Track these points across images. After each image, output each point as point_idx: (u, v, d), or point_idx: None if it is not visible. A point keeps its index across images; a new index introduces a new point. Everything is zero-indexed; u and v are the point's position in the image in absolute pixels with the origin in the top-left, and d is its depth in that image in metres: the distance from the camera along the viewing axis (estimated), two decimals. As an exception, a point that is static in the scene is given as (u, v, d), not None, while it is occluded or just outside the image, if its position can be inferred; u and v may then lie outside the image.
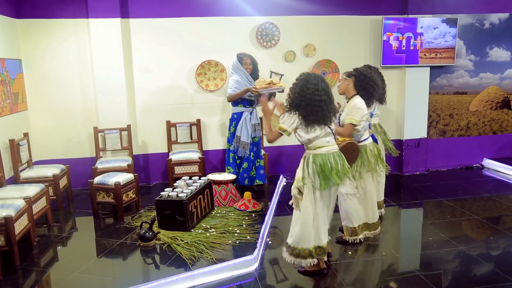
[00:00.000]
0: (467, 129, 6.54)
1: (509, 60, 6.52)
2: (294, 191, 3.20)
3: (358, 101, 3.65)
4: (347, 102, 3.73)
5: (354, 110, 3.61)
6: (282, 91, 4.78)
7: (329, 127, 3.13)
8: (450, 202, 4.96)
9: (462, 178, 6.02)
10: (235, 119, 5.11)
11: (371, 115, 4.54)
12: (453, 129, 6.48)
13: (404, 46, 5.91)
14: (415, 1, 5.89)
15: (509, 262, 3.51)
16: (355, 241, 3.81)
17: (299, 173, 3.21)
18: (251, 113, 5.10)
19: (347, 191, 3.72)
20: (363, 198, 3.82)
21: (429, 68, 6.09)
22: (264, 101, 3.41)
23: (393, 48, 5.89)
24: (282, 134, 3.13)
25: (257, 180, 5.26)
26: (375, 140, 3.97)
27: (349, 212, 3.77)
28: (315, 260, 3.25)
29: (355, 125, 3.58)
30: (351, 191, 3.75)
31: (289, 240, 3.28)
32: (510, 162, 6.29)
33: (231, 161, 5.17)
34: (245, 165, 5.16)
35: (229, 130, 5.19)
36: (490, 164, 6.45)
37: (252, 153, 5.16)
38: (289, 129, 3.10)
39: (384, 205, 4.62)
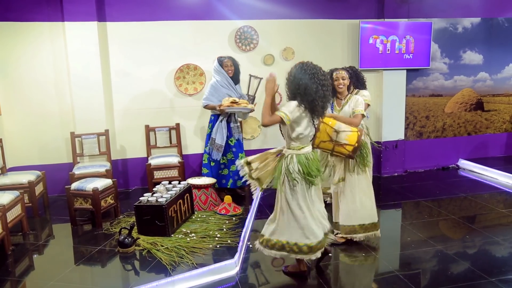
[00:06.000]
0: (443, 130, 6.68)
1: (481, 63, 6.70)
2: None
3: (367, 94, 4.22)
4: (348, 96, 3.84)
5: (361, 102, 3.76)
6: (252, 111, 4.99)
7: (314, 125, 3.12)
8: (428, 202, 5.06)
9: (439, 178, 6.14)
10: (212, 121, 5.10)
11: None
12: (429, 130, 6.62)
13: (388, 49, 6.01)
14: (391, 6, 6.00)
15: (485, 260, 3.59)
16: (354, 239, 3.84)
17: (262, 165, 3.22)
18: (229, 116, 5.08)
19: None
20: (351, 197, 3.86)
21: (405, 71, 6.21)
22: (271, 80, 3.06)
23: (380, 52, 5.99)
24: (282, 120, 2.95)
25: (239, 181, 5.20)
26: None
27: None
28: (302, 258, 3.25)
29: (364, 116, 3.77)
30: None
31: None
32: (484, 162, 6.45)
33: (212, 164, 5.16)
34: (232, 167, 5.13)
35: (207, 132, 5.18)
36: (465, 164, 6.60)
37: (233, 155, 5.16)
38: (290, 116, 2.95)
39: None
